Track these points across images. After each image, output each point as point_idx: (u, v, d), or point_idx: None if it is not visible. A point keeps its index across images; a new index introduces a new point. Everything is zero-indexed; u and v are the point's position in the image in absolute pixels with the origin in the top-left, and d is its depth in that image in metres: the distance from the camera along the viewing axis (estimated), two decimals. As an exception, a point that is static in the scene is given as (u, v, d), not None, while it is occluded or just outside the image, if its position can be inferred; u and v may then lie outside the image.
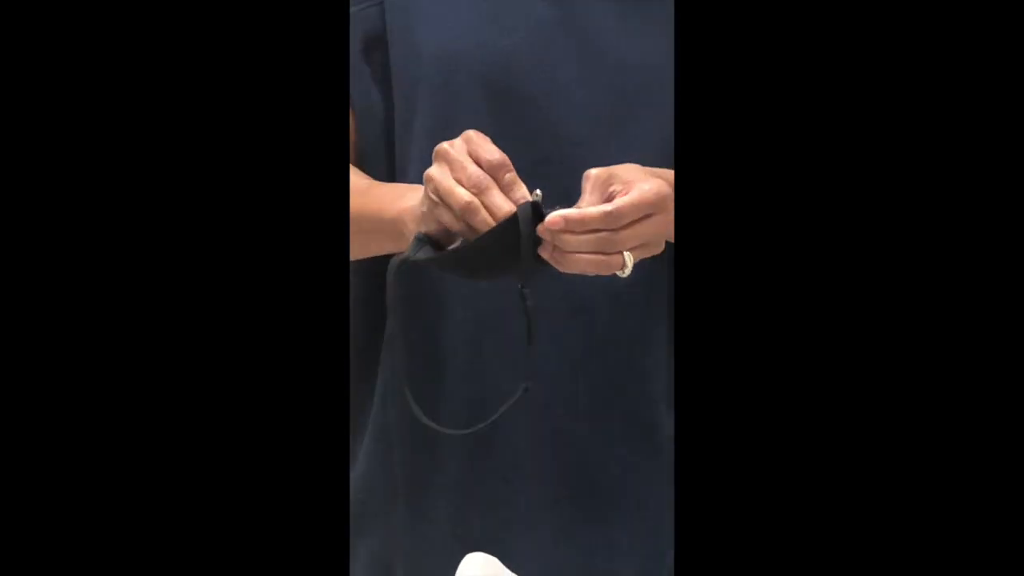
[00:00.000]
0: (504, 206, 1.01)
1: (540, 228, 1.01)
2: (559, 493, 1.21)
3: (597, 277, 1.05)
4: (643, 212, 1.01)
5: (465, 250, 1.03)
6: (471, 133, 1.04)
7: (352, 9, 1.21)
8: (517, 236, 1.01)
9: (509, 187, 1.02)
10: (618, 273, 1.03)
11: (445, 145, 1.04)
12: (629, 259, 1.03)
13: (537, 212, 1.01)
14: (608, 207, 1.01)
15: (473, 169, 1.02)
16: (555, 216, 1.00)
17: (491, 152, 1.02)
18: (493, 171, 1.02)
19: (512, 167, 1.03)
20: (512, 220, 1.01)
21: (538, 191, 1.02)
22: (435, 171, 1.03)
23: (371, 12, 1.21)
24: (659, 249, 1.05)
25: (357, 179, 1.20)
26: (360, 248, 1.14)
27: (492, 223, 1.01)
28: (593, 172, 1.03)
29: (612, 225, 1.01)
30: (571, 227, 1.00)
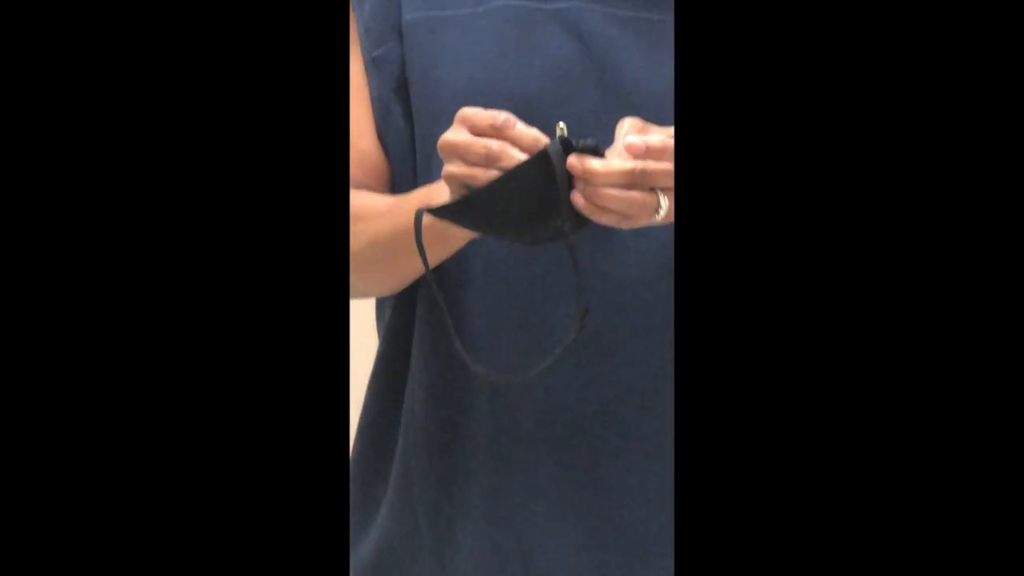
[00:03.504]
0: (520, 156, 0.99)
1: (570, 162, 0.97)
2: (588, 534, 1.18)
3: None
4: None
5: (488, 191, 0.98)
6: (463, 112, 1.03)
7: (375, 53, 1.22)
8: (549, 174, 0.97)
9: (521, 138, 1.00)
10: (653, 216, 0.99)
11: (447, 136, 1.03)
12: (664, 200, 0.99)
13: (568, 147, 0.98)
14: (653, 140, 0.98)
15: (480, 143, 1.00)
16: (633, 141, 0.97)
17: (491, 116, 1.01)
18: (500, 133, 1.00)
19: (517, 120, 1.00)
20: (541, 157, 0.97)
21: (561, 124, 0.99)
22: (451, 167, 1.02)
23: (393, 54, 1.22)
24: None
25: (380, 201, 1.19)
26: (406, 267, 1.11)
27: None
28: (628, 120, 1.01)
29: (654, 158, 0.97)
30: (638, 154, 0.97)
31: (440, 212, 1.01)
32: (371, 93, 1.22)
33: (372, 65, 1.22)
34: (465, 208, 1.01)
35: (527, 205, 0.99)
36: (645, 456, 1.18)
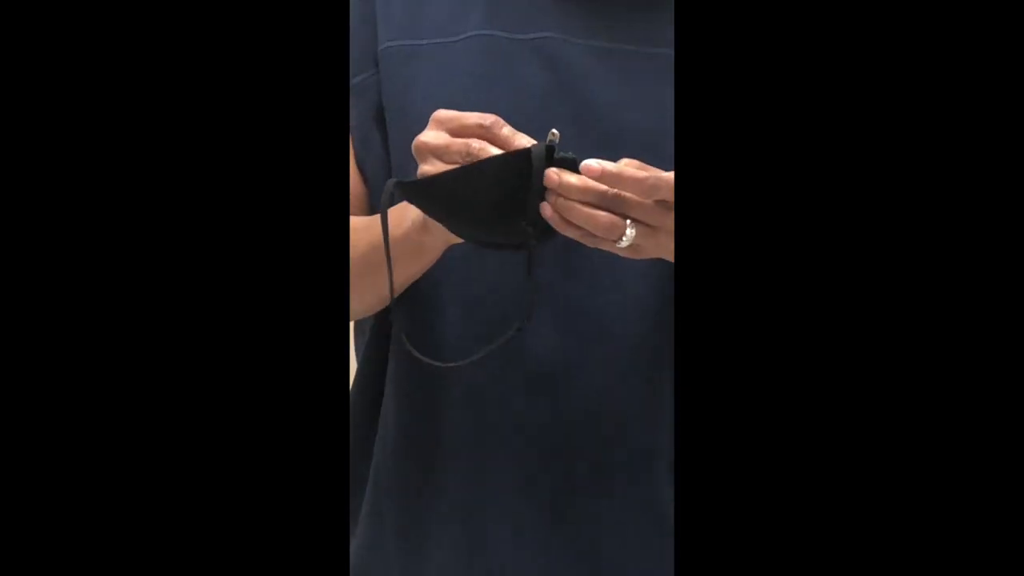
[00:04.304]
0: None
1: (548, 173, 0.96)
2: (561, 555, 1.19)
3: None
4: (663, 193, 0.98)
5: (461, 174, 0.96)
6: (440, 113, 1.02)
7: (354, 80, 1.22)
8: (525, 174, 0.95)
9: (509, 141, 0.99)
10: (616, 242, 0.99)
11: (422, 137, 1.02)
12: (631, 230, 0.99)
13: (551, 157, 0.97)
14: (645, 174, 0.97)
15: (459, 142, 0.99)
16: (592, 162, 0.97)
17: (479, 117, 1.00)
18: (489, 132, 0.99)
19: (505, 123, 1.00)
20: (522, 155, 0.95)
21: (555, 131, 0.98)
22: (425, 167, 1.01)
23: (371, 81, 1.22)
24: (668, 244, 1.01)
25: (356, 220, 1.18)
26: (381, 285, 1.09)
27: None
28: (625, 160, 1.00)
29: (635, 190, 0.97)
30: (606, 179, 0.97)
31: (410, 186, 0.99)
32: (351, 120, 1.21)
33: (351, 93, 1.21)
34: (435, 188, 0.98)
35: (496, 199, 0.97)
36: (622, 480, 1.19)
